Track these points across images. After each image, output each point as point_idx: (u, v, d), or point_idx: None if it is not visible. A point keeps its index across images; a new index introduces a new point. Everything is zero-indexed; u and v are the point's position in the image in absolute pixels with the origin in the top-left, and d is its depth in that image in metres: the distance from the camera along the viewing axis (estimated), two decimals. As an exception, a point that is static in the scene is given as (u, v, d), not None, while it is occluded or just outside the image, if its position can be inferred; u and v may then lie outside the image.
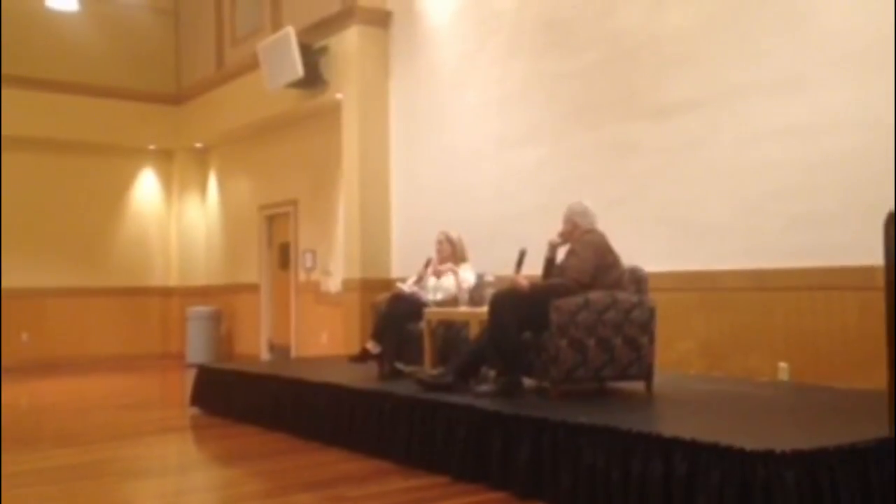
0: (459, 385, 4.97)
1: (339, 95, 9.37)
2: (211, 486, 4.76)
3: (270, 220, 11.64)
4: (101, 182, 12.54)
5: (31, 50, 11.64)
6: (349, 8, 9.17)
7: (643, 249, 5.78)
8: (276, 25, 10.36)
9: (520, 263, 5.17)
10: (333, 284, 10.00)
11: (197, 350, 11.50)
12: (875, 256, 4.47)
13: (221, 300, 12.27)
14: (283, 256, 11.34)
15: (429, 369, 5.53)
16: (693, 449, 3.32)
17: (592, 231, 5.08)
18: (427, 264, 6.42)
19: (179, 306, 12.42)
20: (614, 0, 6.83)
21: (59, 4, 10.74)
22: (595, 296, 4.81)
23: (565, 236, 5.15)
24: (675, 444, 3.39)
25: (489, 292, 5.46)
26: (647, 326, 4.94)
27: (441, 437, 4.54)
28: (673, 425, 3.95)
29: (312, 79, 9.39)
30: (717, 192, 6.07)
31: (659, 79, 6.48)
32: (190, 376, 7.76)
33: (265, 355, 11.41)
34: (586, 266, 4.90)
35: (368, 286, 8.73)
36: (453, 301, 6.04)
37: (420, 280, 6.34)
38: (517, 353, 4.91)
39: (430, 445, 4.60)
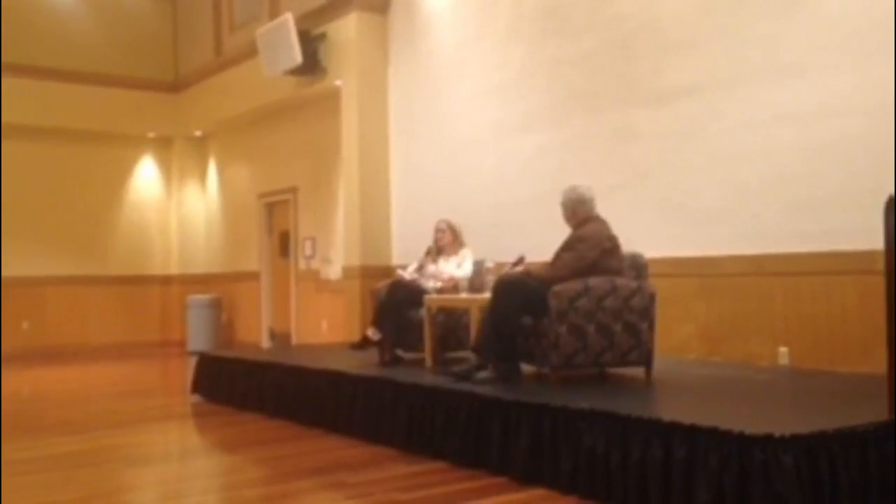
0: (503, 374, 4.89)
1: (337, 82, 9.34)
2: (212, 472, 4.77)
3: (270, 207, 11.63)
4: (100, 170, 12.53)
5: (28, 38, 11.60)
6: (347, -6, 9.14)
7: (643, 235, 5.78)
8: (275, 12, 10.32)
9: (515, 266, 5.19)
10: (333, 272, 10.00)
11: (197, 338, 11.52)
12: (875, 241, 4.48)
13: (222, 288, 12.28)
14: (283, 244, 11.34)
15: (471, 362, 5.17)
16: (692, 433, 3.33)
17: (591, 219, 5.05)
18: (427, 252, 6.42)
19: (180, 294, 12.43)
20: (613, -15, 6.81)
21: (56, -8, 10.71)
22: (595, 282, 4.81)
23: (569, 222, 5.12)
24: (674, 428, 3.40)
25: (489, 279, 5.46)
26: (646, 312, 4.94)
27: (441, 423, 4.55)
28: (672, 410, 3.96)
29: (311, 66, 9.37)
30: (716, 177, 6.06)
31: (658, 64, 6.46)
32: (191, 364, 7.78)
33: (266, 343, 11.43)
34: (577, 264, 4.87)
35: (368, 273, 8.74)
36: (453, 288, 6.05)
37: (421, 267, 6.34)
38: (516, 339, 4.92)
39: (431, 432, 4.62)
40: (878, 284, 4.22)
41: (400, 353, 6.12)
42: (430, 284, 6.14)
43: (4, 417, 6.13)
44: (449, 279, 6.09)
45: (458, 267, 6.13)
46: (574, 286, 4.77)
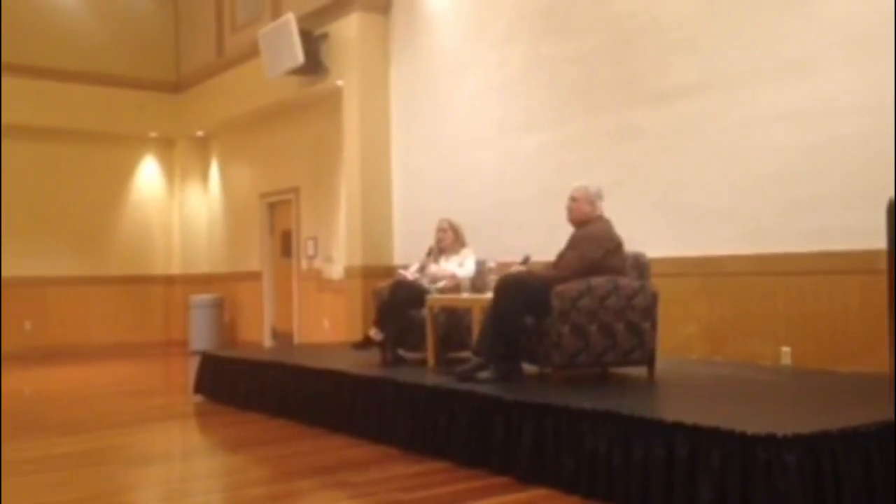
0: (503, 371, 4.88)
1: (339, 82, 9.35)
2: (215, 472, 4.77)
3: (272, 207, 11.64)
4: (102, 171, 12.54)
5: (29, 38, 11.61)
6: (349, -6, 9.14)
7: (645, 235, 5.77)
8: (277, 12, 10.33)
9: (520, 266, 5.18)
10: (335, 271, 10.00)
11: (200, 338, 11.53)
12: (877, 240, 4.49)
13: (224, 288, 12.28)
14: (285, 244, 11.34)
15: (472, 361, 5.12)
16: (695, 433, 3.32)
17: (595, 219, 5.05)
18: (429, 252, 6.42)
19: (182, 294, 12.44)
20: (615, -16, 6.81)
21: (58, -8, 10.72)
22: (597, 282, 4.81)
23: (573, 222, 5.12)
24: (676, 428, 3.40)
25: (491, 279, 5.46)
26: (649, 312, 4.93)
27: (443, 423, 4.55)
28: (675, 410, 3.95)
29: (313, 66, 9.37)
30: (718, 176, 6.06)
31: (660, 63, 6.46)
32: (193, 364, 7.78)
33: (268, 342, 11.44)
34: (581, 264, 4.87)
35: (370, 273, 8.74)
36: (455, 288, 6.04)
37: (422, 268, 6.34)
38: (519, 338, 4.92)
39: (433, 431, 4.61)
40: (881, 284, 4.23)
41: (402, 352, 6.11)
42: (432, 284, 6.14)
43: (6, 417, 6.14)
44: (451, 279, 6.09)
45: (459, 266, 6.13)
46: (576, 286, 4.77)
